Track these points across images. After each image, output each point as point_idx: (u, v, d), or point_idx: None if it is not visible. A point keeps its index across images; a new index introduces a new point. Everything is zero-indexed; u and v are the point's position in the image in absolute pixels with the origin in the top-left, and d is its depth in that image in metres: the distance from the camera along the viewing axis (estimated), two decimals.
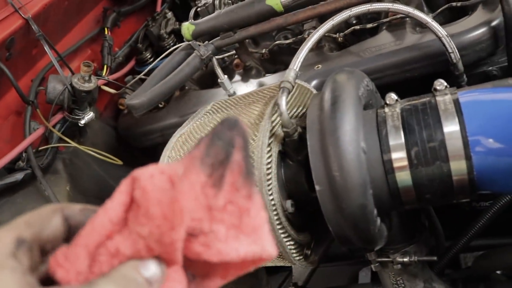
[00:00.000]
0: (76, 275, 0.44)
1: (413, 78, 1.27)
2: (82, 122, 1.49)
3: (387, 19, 1.38)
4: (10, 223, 0.46)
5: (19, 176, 1.35)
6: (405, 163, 0.83)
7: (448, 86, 0.88)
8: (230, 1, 1.71)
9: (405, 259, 1.13)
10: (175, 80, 1.39)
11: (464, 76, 1.14)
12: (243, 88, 1.55)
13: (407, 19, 1.35)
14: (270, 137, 0.97)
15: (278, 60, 1.62)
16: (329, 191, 0.84)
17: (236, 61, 1.65)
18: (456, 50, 1.09)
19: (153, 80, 1.47)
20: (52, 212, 0.48)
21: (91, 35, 1.75)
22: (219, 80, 1.47)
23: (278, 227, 0.95)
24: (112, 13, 1.84)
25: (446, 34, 1.08)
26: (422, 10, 1.40)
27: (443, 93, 0.86)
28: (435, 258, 1.15)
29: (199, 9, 1.67)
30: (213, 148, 0.47)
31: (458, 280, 1.32)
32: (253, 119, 1.05)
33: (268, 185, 0.94)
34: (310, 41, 1.11)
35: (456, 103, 0.83)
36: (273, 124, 1.00)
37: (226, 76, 1.47)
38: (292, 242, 1.00)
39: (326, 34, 1.28)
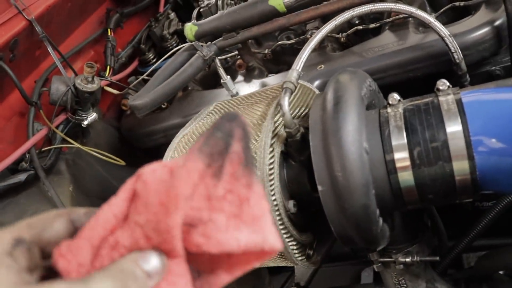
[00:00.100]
0: (78, 267, 0.44)
1: (416, 78, 1.27)
2: (85, 123, 1.50)
3: (390, 19, 1.38)
4: (13, 224, 0.46)
5: (22, 177, 1.35)
6: (408, 163, 0.83)
7: (451, 86, 0.88)
8: (232, 2, 1.71)
9: (408, 259, 1.13)
10: (178, 80, 1.39)
11: (467, 76, 1.14)
12: (245, 88, 1.55)
13: (410, 19, 1.35)
14: (272, 138, 0.97)
15: (281, 61, 1.62)
16: (332, 191, 0.84)
17: (238, 61, 1.65)
18: (459, 50, 1.09)
19: (156, 80, 1.47)
20: (56, 216, 0.48)
21: (94, 36, 1.75)
22: (222, 81, 1.47)
23: (281, 227, 0.95)
24: (115, 14, 1.84)
25: (449, 34, 1.08)
26: (425, 10, 1.39)
27: (445, 93, 0.86)
28: (437, 258, 1.15)
29: (201, 9, 1.67)
30: (212, 139, 0.47)
31: (460, 280, 1.32)
32: (255, 120, 1.05)
33: (271, 185, 0.94)
34: (313, 41, 1.11)
35: (459, 103, 0.83)
36: (276, 124, 1.00)
37: (228, 76, 1.47)
38: (294, 243, 1.00)
39: (329, 34, 1.28)
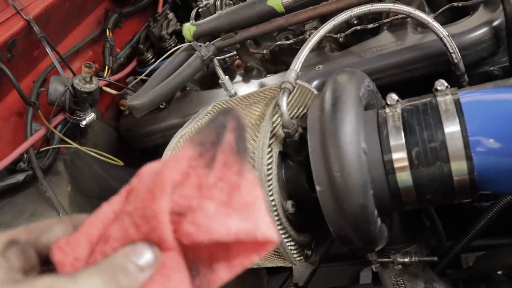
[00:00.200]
0: (74, 261, 0.44)
1: (414, 79, 1.27)
2: (84, 123, 1.50)
3: (388, 20, 1.38)
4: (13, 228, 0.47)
5: (20, 177, 1.35)
6: (406, 163, 0.83)
7: (449, 86, 0.88)
8: (231, 2, 1.71)
9: (406, 260, 1.12)
10: (176, 81, 1.39)
11: (465, 76, 1.14)
12: (244, 88, 1.55)
13: (408, 19, 1.35)
14: (271, 138, 0.97)
15: (279, 61, 1.62)
16: (330, 192, 0.84)
17: (237, 61, 1.65)
18: (457, 50, 1.09)
19: (155, 81, 1.47)
20: (58, 222, 0.48)
21: (93, 36, 1.75)
22: (220, 81, 1.47)
23: (279, 227, 0.95)
24: (114, 14, 1.84)
25: (447, 34, 1.08)
26: (423, 10, 1.40)
27: (444, 93, 0.86)
28: (435, 258, 1.15)
29: (200, 10, 1.67)
30: (205, 130, 0.47)
31: (459, 280, 1.32)
32: (254, 120, 1.05)
33: (269, 185, 0.94)
34: (311, 41, 1.11)
35: (457, 103, 0.83)
36: (274, 124, 1.00)
37: (227, 76, 1.47)
38: (292, 243, 1.00)
39: (327, 35, 1.28)
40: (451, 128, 0.80)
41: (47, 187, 1.36)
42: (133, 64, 1.89)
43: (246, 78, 1.61)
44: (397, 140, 0.84)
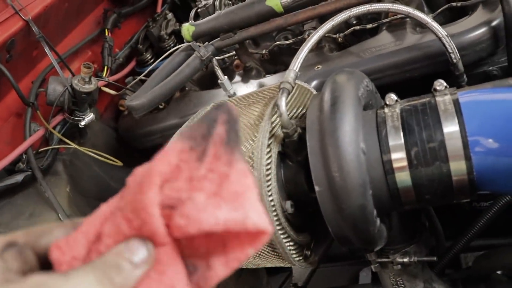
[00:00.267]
0: (71, 260, 0.44)
1: (413, 79, 1.27)
2: (83, 123, 1.49)
3: (387, 20, 1.38)
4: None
5: (19, 177, 1.35)
6: (405, 163, 0.83)
7: (448, 86, 0.88)
8: (230, 2, 1.72)
9: (405, 260, 1.12)
10: (175, 81, 1.39)
11: (464, 76, 1.14)
12: (243, 89, 1.55)
13: (407, 19, 1.35)
14: (269, 138, 0.97)
15: (278, 61, 1.62)
16: (329, 192, 0.84)
17: (236, 62, 1.65)
18: (456, 50, 1.09)
19: (154, 81, 1.47)
20: (59, 225, 0.48)
21: (92, 37, 1.75)
22: (219, 81, 1.47)
23: (278, 227, 0.95)
24: (113, 14, 1.84)
25: (446, 34, 1.08)
26: (422, 10, 1.39)
27: (443, 93, 0.86)
28: (435, 258, 1.15)
29: (199, 10, 1.67)
30: (196, 124, 0.47)
31: (458, 280, 1.32)
32: (253, 120, 1.05)
33: (268, 186, 0.94)
34: (310, 41, 1.11)
35: (456, 103, 0.83)
36: (273, 125, 1.00)
37: (226, 77, 1.47)
38: (291, 243, 1.00)
39: (326, 35, 1.28)
40: (450, 128, 0.80)
41: (46, 188, 1.36)
42: (132, 64, 1.89)
43: (245, 78, 1.61)
44: (396, 140, 0.84)
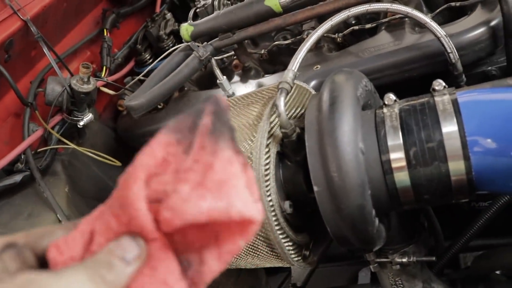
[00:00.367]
0: (68, 259, 0.44)
1: (412, 78, 1.27)
2: (81, 123, 1.49)
3: (386, 19, 1.38)
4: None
5: (17, 178, 1.35)
6: (404, 163, 0.83)
7: (446, 86, 0.88)
8: (229, 2, 1.71)
9: (404, 260, 1.13)
10: (174, 81, 1.39)
11: (463, 76, 1.14)
12: (242, 88, 1.55)
13: (406, 19, 1.35)
14: (268, 138, 0.97)
15: (277, 61, 1.62)
16: (327, 192, 0.84)
17: (235, 62, 1.65)
18: (455, 50, 1.09)
19: (152, 81, 1.47)
20: (60, 227, 0.48)
21: (90, 37, 1.75)
22: (218, 81, 1.47)
23: (276, 228, 0.95)
24: (111, 14, 1.84)
25: (445, 34, 1.08)
26: (421, 10, 1.39)
27: (441, 93, 0.86)
28: (433, 258, 1.15)
29: (198, 10, 1.67)
30: (181, 117, 0.46)
31: (457, 280, 1.32)
32: (251, 120, 1.05)
33: (267, 186, 0.94)
34: (309, 41, 1.11)
35: (455, 103, 0.83)
36: (272, 125, 1.00)
37: (225, 77, 1.47)
38: (290, 243, 1.00)
39: (325, 35, 1.28)
40: (449, 128, 0.80)
41: (44, 188, 1.35)
42: (131, 64, 1.89)
43: (244, 78, 1.60)
44: (395, 140, 0.84)
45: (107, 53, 1.73)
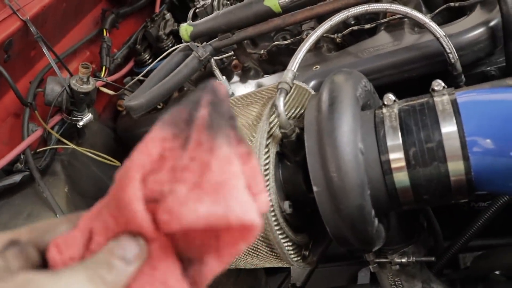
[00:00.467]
0: (68, 259, 0.43)
1: (412, 79, 1.27)
2: (81, 123, 1.49)
3: (385, 20, 1.38)
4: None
5: (17, 178, 1.35)
6: (403, 163, 0.83)
7: (446, 86, 0.88)
8: (228, 2, 1.71)
9: (403, 260, 1.13)
10: (174, 81, 1.39)
11: (463, 76, 1.14)
12: (241, 89, 1.55)
13: (406, 19, 1.35)
14: (268, 138, 0.97)
15: (276, 61, 1.62)
16: (327, 192, 0.84)
17: (234, 62, 1.64)
18: (454, 50, 1.09)
19: (152, 81, 1.47)
20: (63, 221, 0.48)
21: (90, 37, 1.75)
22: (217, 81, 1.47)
23: (276, 228, 0.95)
24: (111, 14, 1.84)
25: (444, 34, 1.08)
26: (420, 10, 1.39)
27: (441, 93, 0.86)
28: (433, 258, 1.15)
29: (197, 10, 1.67)
30: (176, 108, 0.43)
31: (456, 280, 1.32)
32: (251, 120, 1.05)
33: (266, 186, 0.94)
34: (308, 41, 1.11)
35: (454, 103, 0.83)
36: (271, 125, 1.00)
37: (224, 77, 1.47)
38: (290, 243, 1.00)
39: (325, 35, 1.28)
40: (448, 128, 0.80)
41: (44, 188, 1.35)
42: (130, 64, 1.89)
43: (243, 79, 1.60)
44: (394, 140, 0.84)
45: (106, 53, 1.73)
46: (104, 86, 1.63)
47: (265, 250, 1.01)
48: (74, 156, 1.55)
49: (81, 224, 0.45)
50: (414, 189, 0.84)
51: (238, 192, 0.41)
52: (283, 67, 1.60)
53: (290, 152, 0.99)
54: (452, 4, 1.29)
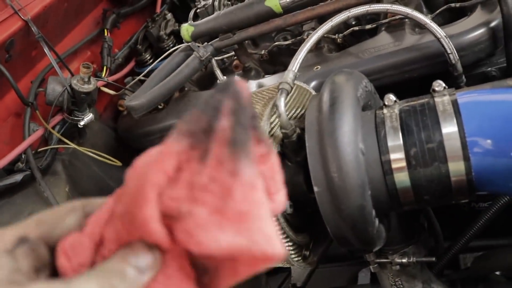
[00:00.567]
0: (78, 266, 0.42)
1: (412, 79, 1.27)
2: (82, 123, 1.49)
3: (386, 20, 1.38)
4: (24, 220, 0.45)
5: (18, 177, 1.35)
6: (404, 164, 0.83)
7: (446, 87, 0.88)
8: (229, 2, 1.72)
9: (404, 260, 1.13)
10: (175, 81, 1.39)
11: (463, 77, 1.14)
12: None
13: (406, 20, 1.35)
14: (268, 139, 0.97)
15: (277, 61, 1.62)
16: (328, 192, 0.84)
17: (235, 62, 1.65)
18: (455, 51, 1.09)
19: (153, 81, 1.47)
20: (70, 211, 0.46)
21: (91, 37, 1.75)
22: (218, 81, 1.47)
23: (276, 228, 0.95)
24: (112, 14, 1.84)
25: (445, 35, 1.08)
26: (421, 11, 1.39)
27: (441, 94, 0.86)
28: (433, 259, 1.15)
29: (198, 10, 1.67)
30: (194, 115, 0.39)
31: (457, 281, 1.32)
32: None
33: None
34: (309, 42, 1.11)
35: (455, 104, 0.83)
36: (272, 125, 1.00)
37: (225, 77, 1.47)
38: (290, 243, 1.00)
39: (325, 35, 1.28)
40: (449, 128, 0.80)
41: (45, 188, 1.36)
42: (131, 64, 1.89)
43: (244, 79, 1.61)
44: (395, 140, 0.84)
45: (107, 53, 1.73)
46: (105, 86, 1.63)
47: None
48: (75, 156, 1.55)
49: (88, 229, 0.43)
50: (415, 189, 0.84)
51: (262, 223, 0.38)
52: (284, 67, 1.60)
53: (291, 152, 0.99)
54: (452, 4, 1.29)
